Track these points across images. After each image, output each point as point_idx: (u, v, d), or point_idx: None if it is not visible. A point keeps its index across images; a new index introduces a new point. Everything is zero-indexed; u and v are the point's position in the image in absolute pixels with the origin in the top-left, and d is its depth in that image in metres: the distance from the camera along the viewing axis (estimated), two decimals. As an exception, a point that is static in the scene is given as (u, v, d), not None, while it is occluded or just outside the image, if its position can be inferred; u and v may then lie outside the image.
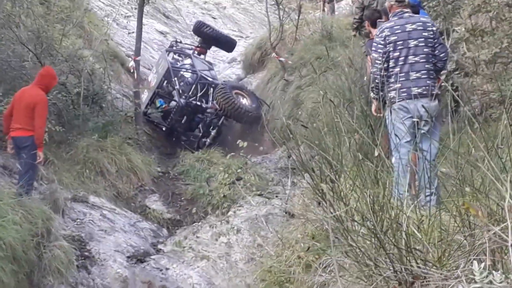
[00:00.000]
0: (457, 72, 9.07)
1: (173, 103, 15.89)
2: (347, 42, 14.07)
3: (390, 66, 6.82)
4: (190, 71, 16.91)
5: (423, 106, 6.43)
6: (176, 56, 17.78)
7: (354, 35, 14.87)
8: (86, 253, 9.29)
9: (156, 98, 16.05)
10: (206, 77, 16.75)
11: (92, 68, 14.02)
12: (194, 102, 15.80)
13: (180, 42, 19.74)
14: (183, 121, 15.66)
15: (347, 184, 4.76)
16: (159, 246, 10.46)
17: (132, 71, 15.64)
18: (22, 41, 11.97)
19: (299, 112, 13.22)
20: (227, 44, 19.48)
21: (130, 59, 16.55)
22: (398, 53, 6.78)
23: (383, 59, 6.80)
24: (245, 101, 15.83)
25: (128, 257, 9.59)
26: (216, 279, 9.38)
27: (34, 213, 8.53)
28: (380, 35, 6.96)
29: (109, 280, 8.95)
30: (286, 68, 16.07)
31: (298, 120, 10.55)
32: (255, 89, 17.80)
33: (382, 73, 6.77)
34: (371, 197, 4.17)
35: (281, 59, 16.18)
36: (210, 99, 16.27)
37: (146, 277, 9.22)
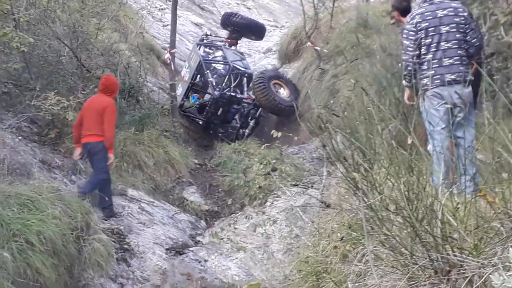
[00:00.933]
0: (494, 57, 8.91)
1: (207, 96, 15.93)
2: (383, 29, 13.91)
3: (422, 53, 6.75)
4: (222, 62, 16.89)
5: (456, 92, 6.35)
6: (207, 49, 17.74)
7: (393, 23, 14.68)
8: (126, 246, 9.36)
9: (190, 92, 16.12)
10: (238, 67, 16.70)
11: (128, 62, 14.10)
12: (228, 93, 15.80)
13: (210, 35, 19.70)
14: (219, 113, 15.70)
15: (381, 173, 4.71)
16: (198, 238, 10.51)
17: (168, 62, 15.70)
18: (58, 36, 12.08)
19: (332, 102, 13.13)
20: (257, 30, 19.25)
21: (165, 51, 16.61)
22: (430, 40, 6.71)
23: (415, 46, 6.73)
24: (283, 92, 15.76)
25: (167, 249, 9.66)
26: (255, 270, 9.40)
27: (73, 207, 8.61)
28: (411, 22, 6.89)
29: (148, 273, 9.01)
30: (321, 57, 15.97)
31: (333, 110, 10.49)
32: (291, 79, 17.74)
33: (414, 60, 6.70)
34: (405, 185, 4.12)
35: (316, 48, 16.08)
36: (245, 89, 16.26)
37: (185, 269, 9.27)
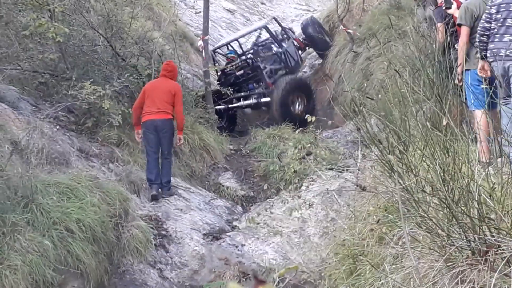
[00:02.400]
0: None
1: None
2: (416, 10, 13.77)
3: (492, 27, 6.73)
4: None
5: (505, 68, 6.34)
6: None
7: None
8: (163, 232, 9.46)
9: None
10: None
11: (162, 49, 14.16)
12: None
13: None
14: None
15: (416, 155, 4.71)
16: (234, 223, 10.57)
17: (200, 50, 15.76)
18: (92, 25, 12.18)
19: (366, 84, 13.06)
20: (322, 47, 18.96)
21: (198, 38, 16.66)
22: (499, 15, 6.69)
23: (486, 19, 6.74)
24: (297, 106, 15.68)
25: (204, 234, 9.73)
26: (291, 254, 9.43)
27: (112, 194, 8.73)
28: None
29: (186, 258, 9.10)
30: (354, 39, 15.89)
31: (366, 93, 10.45)
32: (323, 62, 17.70)
33: (484, 33, 6.71)
34: (441, 166, 4.12)
35: (349, 31, 16.01)
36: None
37: (222, 253, 9.34)
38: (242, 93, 15.96)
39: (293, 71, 16.63)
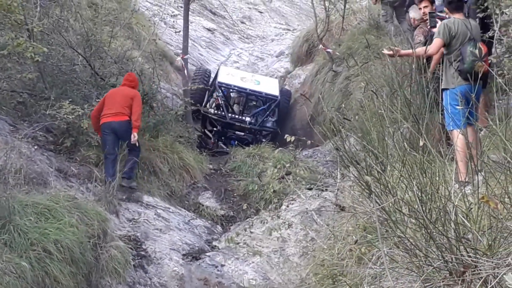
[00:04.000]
0: (507, 56, 8.86)
1: None
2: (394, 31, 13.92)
3: None
4: None
5: None
6: None
7: (374, 3, 14.77)
8: (142, 253, 9.41)
9: None
10: None
11: (142, 69, 14.16)
12: None
13: None
14: None
15: (393, 175, 4.73)
16: (214, 243, 10.54)
17: (181, 68, 15.79)
18: (71, 45, 12.16)
19: (344, 105, 13.11)
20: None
21: (178, 57, 16.67)
22: None
23: None
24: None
25: (183, 255, 9.70)
26: (271, 274, 9.41)
27: (90, 214, 8.67)
28: None
29: (166, 279, 9.06)
30: (334, 59, 15.98)
31: (344, 113, 10.50)
32: (303, 82, 17.77)
33: None
34: (418, 187, 4.14)
35: (328, 50, 16.09)
36: None
37: (202, 274, 9.31)
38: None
39: None
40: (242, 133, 16.44)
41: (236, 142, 16.25)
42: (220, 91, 16.71)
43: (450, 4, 7.82)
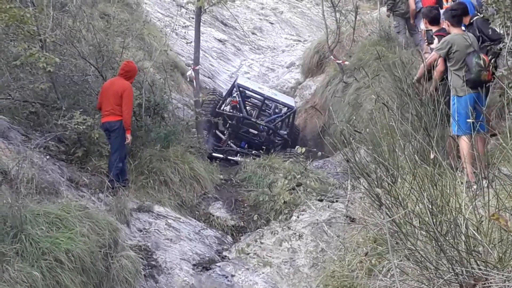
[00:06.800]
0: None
1: None
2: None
3: None
4: None
5: None
6: None
7: (388, 16, 14.89)
8: (153, 262, 9.42)
9: None
10: None
11: (153, 79, 14.19)
12: None
13: None
14: None
15: (404, 188, 4.74)
16: (224, 253, 10.54)
17: (189, 79, 15.85)
18: (83, 55, 12.22)
19: (355, 117, 13.13)
20: None
21: (189, 68, 16.73)
22: None
23: None
24: None
25: (194, 265, 9.70)
26: (281, 285, 9.40)
27: (101, 224, 8.67)
28: None
29: (176, 288, 9.07)
30: (344, 70, 16.01)
31: (354, 125, 10.51)
32: (314, 93, 17.79)
33: None
34: (429, 199, 4.15)
35: (339, 61, 16.13)
36: None
37: (212, 284, 9.30)
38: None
39: None
40: (255, 132, 16.45)
41: (246, 145, 16.32)
42: (238, 91, 16.82)
43: (453, 18, 8.29)
